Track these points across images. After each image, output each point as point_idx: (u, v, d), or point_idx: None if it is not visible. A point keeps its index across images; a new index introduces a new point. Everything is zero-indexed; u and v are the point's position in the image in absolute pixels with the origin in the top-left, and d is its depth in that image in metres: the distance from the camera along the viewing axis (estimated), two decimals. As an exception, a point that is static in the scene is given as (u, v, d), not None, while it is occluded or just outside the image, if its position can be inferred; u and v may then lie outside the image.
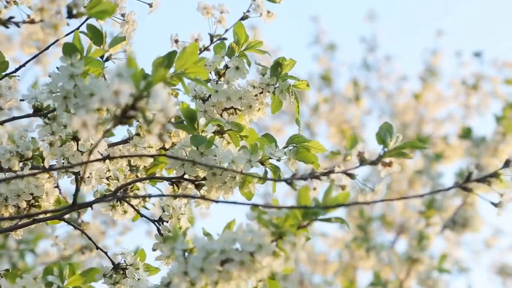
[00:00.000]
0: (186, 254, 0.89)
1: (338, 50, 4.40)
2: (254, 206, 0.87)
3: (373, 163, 0.90)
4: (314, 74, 4.33)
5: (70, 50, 0.95)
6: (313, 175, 0.94)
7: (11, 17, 1.05)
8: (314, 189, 0.94)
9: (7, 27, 1.03)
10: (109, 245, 2.27)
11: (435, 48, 4.31)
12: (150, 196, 1.05)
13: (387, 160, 0.91)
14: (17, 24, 1.02)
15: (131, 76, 0.81)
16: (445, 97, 4.21)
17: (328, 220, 0.86)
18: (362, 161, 0.91)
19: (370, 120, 4.46)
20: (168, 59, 0.91)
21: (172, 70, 0.93)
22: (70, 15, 0.94)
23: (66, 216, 1.07)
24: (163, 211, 1.09)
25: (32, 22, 1.01)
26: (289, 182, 0.95)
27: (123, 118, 0.82)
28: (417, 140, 3.21)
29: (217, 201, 0.90)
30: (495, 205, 0.87)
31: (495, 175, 0.84)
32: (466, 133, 2.85)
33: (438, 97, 4.22)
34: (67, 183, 1.07)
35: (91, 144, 1.04)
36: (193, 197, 0.96)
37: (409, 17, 6.66)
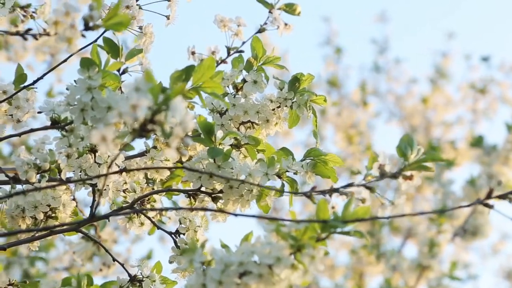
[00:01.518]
0: (204, 266, 0.89)
1: (348, 52, 4.40)
2: (272, 219, 0.87)
3: (394, 176, 0.90)
4: (323, 76, 4.33)
5: (87, 63, 0.95)
6: (332, 189, 0.94)
7: (29, 29, 1.06)
8: (333, 207, 0.94)
9: (25, 39, 1.04)
10: (121, 251, 2.28)
11: (445, 50, 4.30)
12: (167, 209, 1.05)
13: (408, 173, 0.91)
14: (35, 37, 1.03)
15: (150, 89, 0.82)
16: (454, 100, 4.21)
17: (347, 233, 0.86)
18: (383, 174, 0.91)
19: (379, 122, 4.46)
20: (186, 73, 0.92)
21: (189, 83, 0.93)
22: (87, 28, 0.95)
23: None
24: (180, 223, 1.10)
25: (47, 35, 1.02)
26: (308, 195, 0.95)
27: (142, 131, 0.83)
28: (428, 147, 3.21)
29: (235, 215, 0.91)
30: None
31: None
32: (477, 141, 2.85)
33: (447, 101, 4.21)
34: (83, 194, 1.08)
35: (108, 156, 1.04)
36: (211, 210, 0.97)
37: (419, 19, 6.66)
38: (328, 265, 3.49)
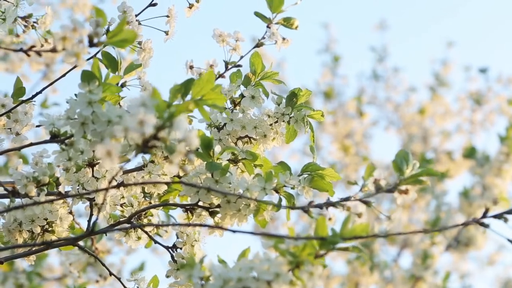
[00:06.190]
0: (202, 281, 0.89)
1: (346, 60, 4.40)
2: (270, 236, 0.88)
3: (390, 190, 0.91)
4: (321, 85, 4.32)
5: (88, 77, 0.95)
6: (329, 203, 0.94)
7: (33, 46, 1.06)
8: (330, 219, 0.94)
9: (28, 55, 1.04)
10: (115, 262, 2.27)
11: (445, 58, 4.31)
12: (164, 225, 1.05)
13: (403, 187, 0.91)
14: (38, 53, 1.03)
15: (155, 106, 0.82)
16: (452, 110, 4.21)
17: (345, 249, 0.87)
18: (379, 189, 0.91)
19: (377, 131, 4.46)
20: (185, 87, 0.92)
21: (188, 97, 0.93)
22: (91, 44, 0.95)
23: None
24: (177, 237, 1.10)
25: (54, 51, 1.02)
26: (306, 210, 0.95)
27: (145, 147, 0.83)
28: (421, 160, 3.21)
29: (233, 231, 0.91)
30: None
31: (512, 211, 0.84)
32: (470, 152, 2.86)
33: (445, 110, 4.21)
34: (80, 207, 1.08)
35: (106, 170, 1.04)
36: (208, 226, 0.97)
37: (418, 27, 6.68)
38: (324, 275, 3.48)
